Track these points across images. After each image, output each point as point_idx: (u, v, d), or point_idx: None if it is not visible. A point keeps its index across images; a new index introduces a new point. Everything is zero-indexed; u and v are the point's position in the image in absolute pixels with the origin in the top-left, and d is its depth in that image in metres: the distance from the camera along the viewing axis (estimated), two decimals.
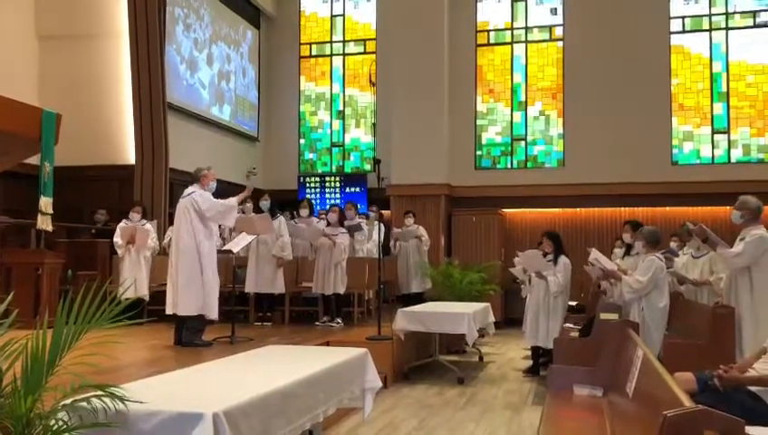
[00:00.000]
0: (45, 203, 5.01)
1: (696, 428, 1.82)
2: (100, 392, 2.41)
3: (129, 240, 8.87)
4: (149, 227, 9.25)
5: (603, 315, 5.77)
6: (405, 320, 7.37)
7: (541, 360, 7.73)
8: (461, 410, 6.05)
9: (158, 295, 8.72)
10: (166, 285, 6.82)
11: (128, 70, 11.01)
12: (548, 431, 3.64)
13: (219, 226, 8.71)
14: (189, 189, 6.76)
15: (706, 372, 3.77)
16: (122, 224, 9.06)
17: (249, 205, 9.59)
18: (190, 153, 11.56)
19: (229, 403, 2.68)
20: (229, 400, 2.72)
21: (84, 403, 2.40)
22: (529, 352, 8.19)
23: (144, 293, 8.79)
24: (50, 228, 5.41)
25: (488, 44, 13.76)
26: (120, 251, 8.90)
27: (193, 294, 6.52)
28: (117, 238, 8.91)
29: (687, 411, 1.87)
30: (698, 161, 12.76)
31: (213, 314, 6.70)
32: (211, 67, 13.18)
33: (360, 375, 4.10)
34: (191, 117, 12.43)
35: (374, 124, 14.31)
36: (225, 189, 10.55)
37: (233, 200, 6.86)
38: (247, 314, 8.96)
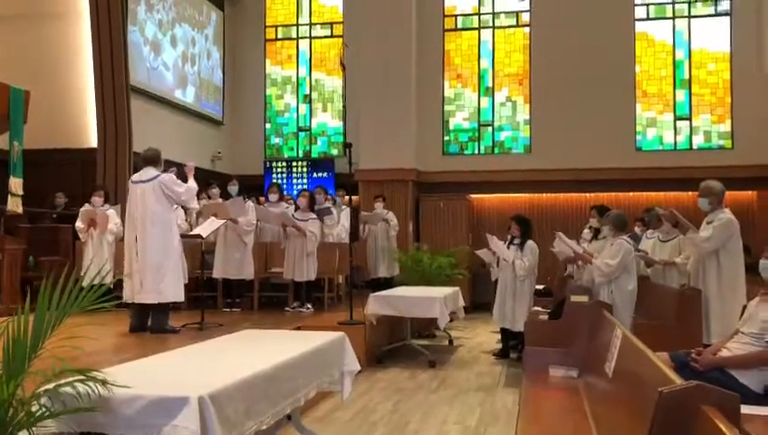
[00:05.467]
0: (15, 184, 4.83)
1: (693, 403, 1.84)
2: (82, 377, 2.35)
3: (90, 224, 8.65)
4: (112, 211, 9.02)
5: (574, 298, 5.85)
6: (377, 304, 7.38)
7: (510, 343, 7.81)
8: (434, 393, 6.08)
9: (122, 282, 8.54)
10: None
11: (89, 51, 10.71)
12: (528, 413, 3.68)
13: (185, 210, 8.61)
14: (150, 173, 6.44)
15: (681, 352, 3.85)
16: (83, 208, 8.82)
17: (216, 190, 9.45)
18: (154, 136, 11.25)
19: (214, 387, 2.63)
20: (213, 383, 2.68)
21: (68, 388, 2.34)
22: (500, 336, 8.25)
23: (108, 278, 8.56)
24: (20, 210, 5.21)
25: (456, 29, 13.75)
26: (82, 236, 8.66)
27: (170, 280, 6.40)
28: (78, 223, 8.68)
29: (684, 387, 1.88)
30: (661, 147, 12.98)
31: (181, 297, 6.67)
32: (175, 49, 12.90)
33: (339, 358, 4.09)
34: (155, 100, 12.15)
35: (344, 107, 14.20)
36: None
37: (192, 183, 6.81)
38: (216, 300, 8.84)
